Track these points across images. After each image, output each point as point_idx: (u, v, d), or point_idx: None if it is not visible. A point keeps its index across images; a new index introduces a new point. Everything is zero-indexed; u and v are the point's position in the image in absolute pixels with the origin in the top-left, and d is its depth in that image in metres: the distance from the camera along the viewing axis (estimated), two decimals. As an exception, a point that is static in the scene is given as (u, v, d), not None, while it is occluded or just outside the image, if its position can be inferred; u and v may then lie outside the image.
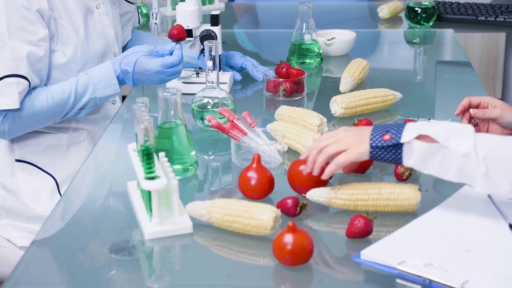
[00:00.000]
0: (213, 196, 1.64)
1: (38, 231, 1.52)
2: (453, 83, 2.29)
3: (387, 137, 1.43)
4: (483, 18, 2.79)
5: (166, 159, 1.52)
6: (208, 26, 2.12)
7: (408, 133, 1.42)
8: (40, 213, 2.03)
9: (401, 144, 1.42)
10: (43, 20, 1.94)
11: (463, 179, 1.40)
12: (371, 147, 1.44)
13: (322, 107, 2.05)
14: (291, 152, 1.77)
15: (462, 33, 2.86)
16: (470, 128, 1.41)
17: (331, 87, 2.23)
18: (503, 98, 3.20)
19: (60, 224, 1.55)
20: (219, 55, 2.14)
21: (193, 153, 1.68)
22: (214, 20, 2.11)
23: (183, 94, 2.13)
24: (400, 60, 2.58)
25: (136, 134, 1.48)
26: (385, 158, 1.44)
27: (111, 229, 1.51)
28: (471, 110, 1.72)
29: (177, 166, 1.66)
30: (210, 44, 1.83)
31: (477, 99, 1.73)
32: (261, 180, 1.54)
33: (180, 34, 2.03)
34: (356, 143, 1.46)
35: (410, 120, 1.83)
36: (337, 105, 1.94)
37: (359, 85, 2.18)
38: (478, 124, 1.75)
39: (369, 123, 1.82)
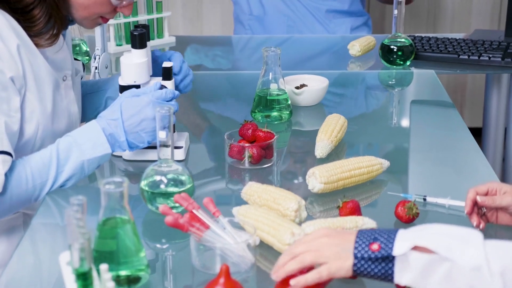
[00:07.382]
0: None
1: None
2: (441, 135, 1.99)
3: (375, 246, 1.18)
4: (466, 57, 2.50)
5: (110, 275, 1.18)
6: (159, 80, 1.78)
7: (401, 243, 1.17)
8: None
9: (393, 257, 1.17)
10: (16, 88, 1.60)
11: None
12: (356, 257, 1.19)
13: (296, 176, 1.75)
14: (263, 246, 1.45)
15: (443, 74, 2.55)
16: (477, 234, 1.17)
17: (304, 146, 1.92)
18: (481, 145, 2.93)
19: None
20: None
21: (143, 254, 1.35)
22: (166, 73, 1.77)
23: (135, 161, 1.80)
24: (377, 107, 2.28)
25: (69, 246, 1.15)
26: (373, 272, 1.18)
27: None
28: (478, 197, 1.47)
29: (124, 272, 1.33)
30: (163, 111, 1.49)
31: (484, 188, 1.48)
32: (231, 300, 1.22)
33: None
34: (338, 256, 1.20)
35: (405, 202, 1.52)
36: (316, 179, 1.62)
37: (337, 147, 1.86)
38: (486, 214, 1.49)
39: (356, 206, 1.52)
